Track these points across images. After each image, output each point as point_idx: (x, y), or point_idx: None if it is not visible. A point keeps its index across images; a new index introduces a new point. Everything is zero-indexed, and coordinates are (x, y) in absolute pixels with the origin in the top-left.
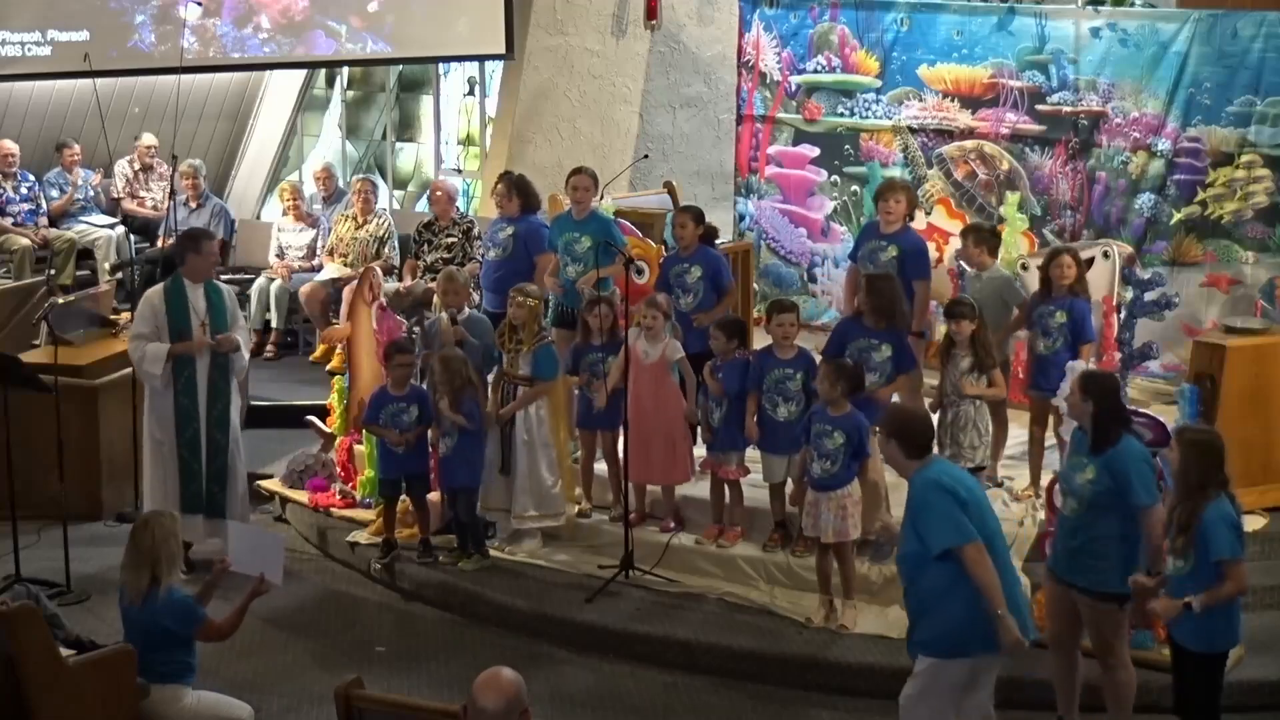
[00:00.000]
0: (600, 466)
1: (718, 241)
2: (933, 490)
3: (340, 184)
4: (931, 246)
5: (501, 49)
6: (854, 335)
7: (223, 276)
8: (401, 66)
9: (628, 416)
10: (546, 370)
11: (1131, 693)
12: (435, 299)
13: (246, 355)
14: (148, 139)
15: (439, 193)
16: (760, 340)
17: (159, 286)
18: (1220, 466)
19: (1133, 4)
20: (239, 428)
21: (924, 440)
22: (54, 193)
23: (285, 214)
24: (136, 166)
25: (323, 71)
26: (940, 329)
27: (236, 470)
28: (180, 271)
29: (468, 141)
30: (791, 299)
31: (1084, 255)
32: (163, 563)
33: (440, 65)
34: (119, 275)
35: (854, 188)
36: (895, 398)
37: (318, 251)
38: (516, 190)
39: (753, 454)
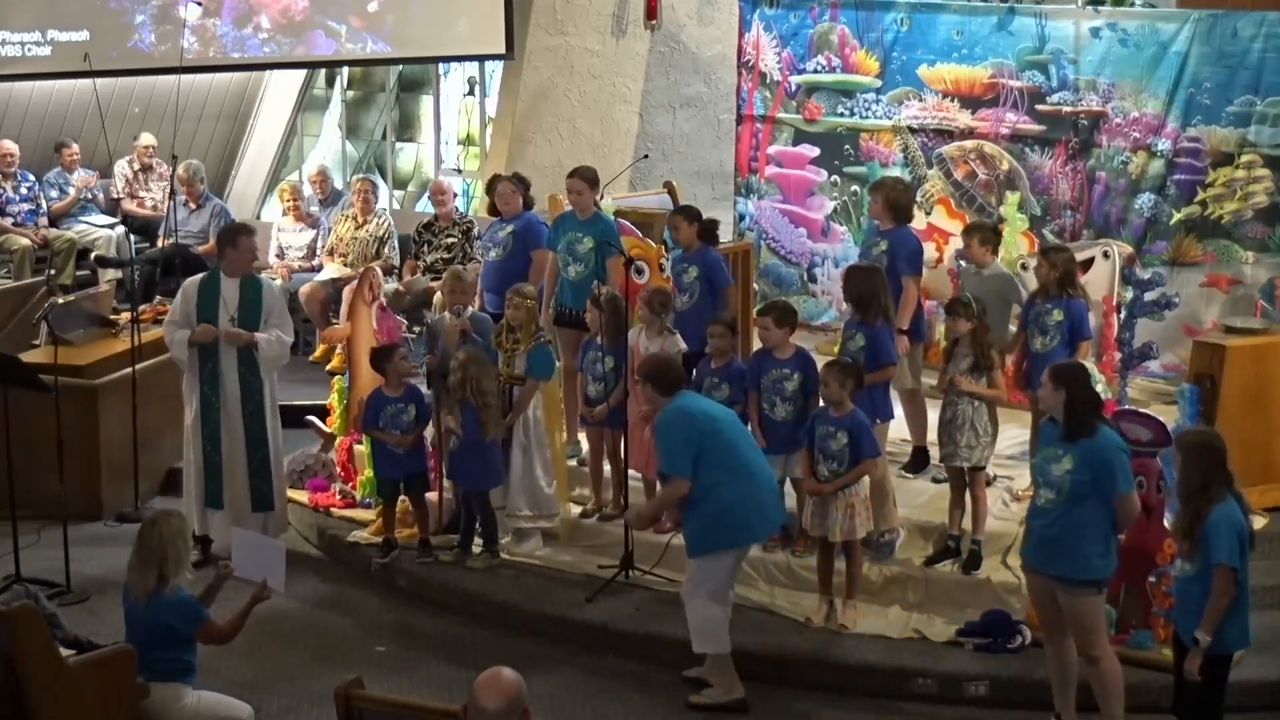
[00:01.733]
0: (607, 467)
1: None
2: (667, 420)
3: (338, 185)
4: (931, 246)
5: (501, 49)
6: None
7: None
8: (401, 66)
9: (628, 403)
10: (541, 369)
11: (1119, 683)
12: (435, 298)
13: (278, 351)
14: (147, 139)
15: (445, 194)
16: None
17: (199, 276)
18: (1221, 466)
19: (1133, 4)
20: (278, 425)
21: (675, 381)
22: (54, 193)
23: (285, 214)
24: (136, 166)
25: (323, 71)
26: (941, 328)
27: (277, 464)
28: (219, 265)
29: (468, 141)
30: (778, 301)
31: (1084, 255)
32: (170, 562)
33: (440, 65)
34: (118, 275)
35: (854, 188)
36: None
37: (317, 252)
38: (523, 187)
39: None
